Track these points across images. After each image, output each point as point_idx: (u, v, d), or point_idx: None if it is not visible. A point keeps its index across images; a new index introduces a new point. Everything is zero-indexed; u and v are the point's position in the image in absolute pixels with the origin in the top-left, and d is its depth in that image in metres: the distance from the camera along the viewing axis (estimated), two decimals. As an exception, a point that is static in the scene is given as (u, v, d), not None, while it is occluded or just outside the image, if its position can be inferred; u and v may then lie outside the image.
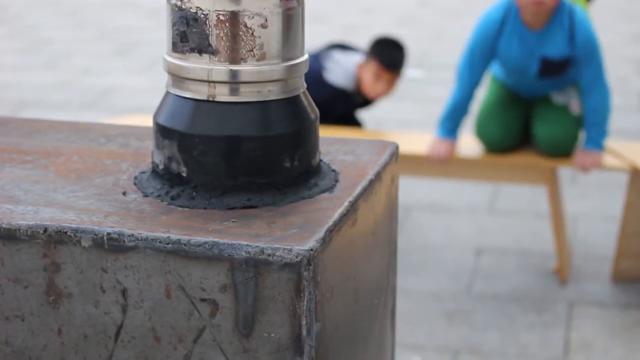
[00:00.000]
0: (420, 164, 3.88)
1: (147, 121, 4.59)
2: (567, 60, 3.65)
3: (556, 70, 3.69)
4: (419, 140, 4.01)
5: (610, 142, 3.94)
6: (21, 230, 1.10)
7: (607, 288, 3.75)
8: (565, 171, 4.80)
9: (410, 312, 3.58)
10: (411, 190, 4.70)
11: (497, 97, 3.90)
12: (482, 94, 4.11)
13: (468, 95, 3.79)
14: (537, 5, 3.56)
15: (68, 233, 1.09)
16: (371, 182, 1.24)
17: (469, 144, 3.96)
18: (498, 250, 4.12)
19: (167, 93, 1.20)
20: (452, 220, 4.44)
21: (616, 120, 5.77)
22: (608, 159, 3.78)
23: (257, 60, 1.15)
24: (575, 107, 3.79)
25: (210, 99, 1.15)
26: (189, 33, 1.15)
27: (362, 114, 5.66)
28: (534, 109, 3.85)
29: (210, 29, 1.13)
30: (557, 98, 3.80)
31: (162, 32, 8.92)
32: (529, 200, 4.66)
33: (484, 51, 3.73)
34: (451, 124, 3.82)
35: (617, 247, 3.78)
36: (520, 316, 3.55)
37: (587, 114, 3.71)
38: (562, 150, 3.76)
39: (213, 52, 1.14)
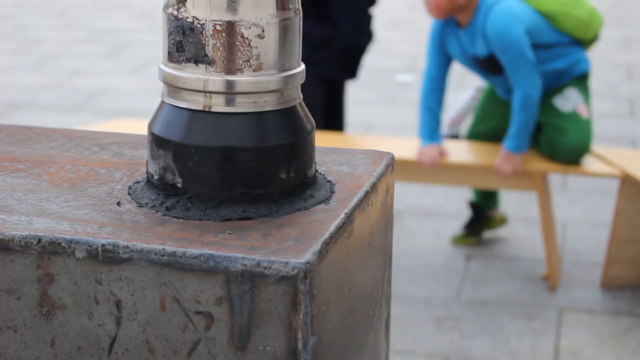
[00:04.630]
0: (410, 169, 3.89)
1: (137, 124, 4.57)
2: (491, 57, 3.65)
3: (491, 68, 3.71)
4: (408, 145, 4.01)
5: (600, 148, 3.94)
6: (14, 241, 1.09)
7: (597, 294, 3.76)
8: (555, 177, 4.81)
9: (400, 318, 3.57)
10: (401, 195, 4.70)
11: (484, 96, 4.05)
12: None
13: (428, 90, 3.85)
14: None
15: (62, 244, 1.08)
16: (367, 193, 1.24)
17: (459, 150, 3.97)
18: (488, 256, 4.12)
19: (162, 103, 1.19)
20: (442, 225, 4.44)
21: (606, 126, 5.78)
22: (598, 165, 3.78)
23: (254, 70, 1.14)
24: (583, 110, 3.78)
25: (206, 109, 1.15)
26: (185, 43, 1.14)
27: (352, 118, 5.67)
28: (544, 121, 3.81)
29: (206, 39, 1.13)
30: (564, 106, 3.77)
31: (152, 34, 8.91)
32: (519, 206, 4.67)
33: (435, 45, 3.81)
34: (427, 128, 3.85)
35: (606, 253, 3.79)
36: (510, 322, 3.55)
37: (513, 112, 3.70)
38: (580, 157, 3.78)
39: (209, 62, 1.13)
